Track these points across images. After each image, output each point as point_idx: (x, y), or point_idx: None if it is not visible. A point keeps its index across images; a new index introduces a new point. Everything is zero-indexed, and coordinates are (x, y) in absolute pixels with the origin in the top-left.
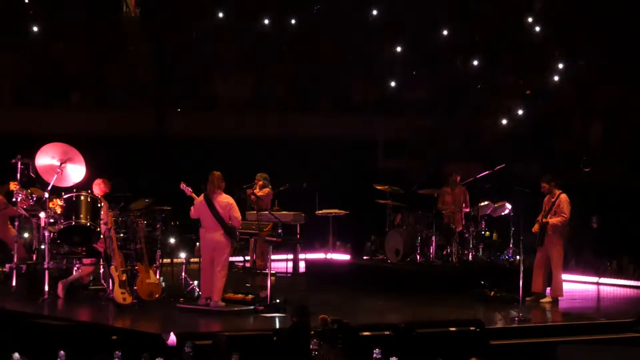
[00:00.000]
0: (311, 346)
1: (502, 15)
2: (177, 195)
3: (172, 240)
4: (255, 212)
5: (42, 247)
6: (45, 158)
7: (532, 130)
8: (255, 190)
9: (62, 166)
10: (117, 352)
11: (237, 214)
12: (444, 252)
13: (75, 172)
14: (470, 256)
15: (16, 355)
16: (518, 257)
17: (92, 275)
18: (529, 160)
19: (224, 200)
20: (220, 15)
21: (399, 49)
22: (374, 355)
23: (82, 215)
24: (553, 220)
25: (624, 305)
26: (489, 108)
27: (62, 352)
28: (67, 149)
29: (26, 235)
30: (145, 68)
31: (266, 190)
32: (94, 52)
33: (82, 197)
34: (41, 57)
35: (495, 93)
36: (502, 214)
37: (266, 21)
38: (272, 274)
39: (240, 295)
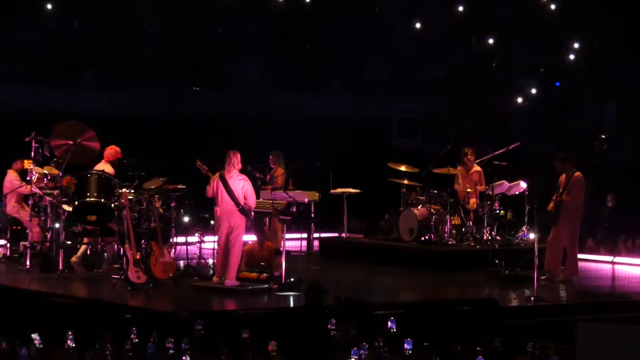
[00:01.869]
0: (329, 326)
1: None
2: (192, 174)
3: (186, 219)
4: (269, 190)
5: (57, 225)
6: (60, 136)
7: (547, 109)
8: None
9: (76, 145)
10: (134, 328)
11: (252, 193)
12: (459, 231)
13: (89, 150)
14: (484, 235)
15: (35, 335)
16: (532, 235)
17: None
18: (544, 139)
19: (239, 179)
20: None
21: (414, 26)
22: (389, 324)
23: (95, 194)
24: (567, 198)
25: None
26: (504, 87)
27: (69, 332)
28: (81, 128)
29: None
30: (158, 47)
31: (280, 170)
32: (107, 30)
33: (96, 176)
34: (55, 35)
35: (510, 71)
36: (517, 192)
37: None
38: (286, 253)
39: (254, 274)
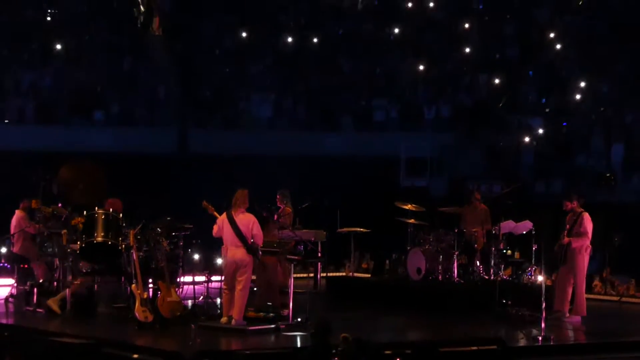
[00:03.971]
0: None
1: (524, 34)
2: (199, 214)
3: (193, 258)
4: (277, 230)
5: (65, 264)
6: (67, 176)
7: (554, 148)
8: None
9: (84, 184)
10: None
11: (259, 232)
12: (466, 271)
13: (97, 189)
14: (492, 274)
15: None
16: (540, 275)
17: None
18: (551, 178)
19: (246, 218)
20: (243, 34)
21: (420, 66)
22: None
23: (103, 234)
24: (575, 238)
25: None
26: (510, 126)
27: None
28: (88, 167)
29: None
30: (168, 86)
31: (287, 209)
32: (117, 70)
33: (104, 215)
34: (64, 75)
35: (518, 110)
36: (524, 231)
37: (289, 39)
38: (293, 292)
39: (261, 314)
